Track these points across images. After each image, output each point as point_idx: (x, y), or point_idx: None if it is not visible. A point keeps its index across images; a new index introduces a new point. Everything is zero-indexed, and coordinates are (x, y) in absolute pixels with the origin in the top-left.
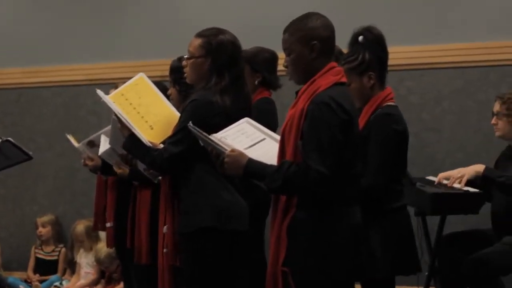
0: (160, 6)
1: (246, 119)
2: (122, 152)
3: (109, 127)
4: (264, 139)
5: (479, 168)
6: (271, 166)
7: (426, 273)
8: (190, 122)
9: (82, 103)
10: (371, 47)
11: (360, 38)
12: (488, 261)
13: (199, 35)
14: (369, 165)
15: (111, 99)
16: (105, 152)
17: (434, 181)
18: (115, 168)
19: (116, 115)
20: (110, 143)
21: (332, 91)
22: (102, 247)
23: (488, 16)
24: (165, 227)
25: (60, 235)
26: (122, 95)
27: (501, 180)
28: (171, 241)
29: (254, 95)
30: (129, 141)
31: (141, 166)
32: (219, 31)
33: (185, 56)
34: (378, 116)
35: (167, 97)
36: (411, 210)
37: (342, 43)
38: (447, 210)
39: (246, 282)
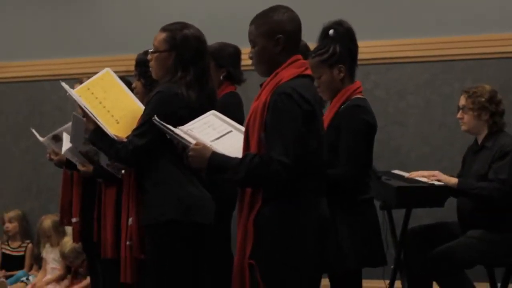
0: (122, 2)
1: (213, 111)
2: (83, 148)
3: (70, 124)
4: (230, 131)
5: (453, 180)
6: (234, 158)
7: (392, 266)
8: (155, 116)
9: (46, 99)
10: (342, 40)
11: (331, 31)
12: (453, 254)
13: (164, 29)
14: (341, 155)
15: (77, 93)
16: (68, 150)
17: (400, 175)
18: (79, 167)
19: (80, 109)
20: (70, 140)
21: (294, 82)
22: (67, 242)
23: (452, 11)
24: (130, 219)
25: (26, 230)
26: (88, 89)
27: (475, 192)
28: (136, 234)
29: (220, 90)
30: (94, 134)
31: (103, 162)
32: (184, 26)
33: (150, 50)
34: (348, 107)
35: (132, 90)
36: (377, 203)
37: (306, 37)
38: (412, 203)
39: (212, 276)
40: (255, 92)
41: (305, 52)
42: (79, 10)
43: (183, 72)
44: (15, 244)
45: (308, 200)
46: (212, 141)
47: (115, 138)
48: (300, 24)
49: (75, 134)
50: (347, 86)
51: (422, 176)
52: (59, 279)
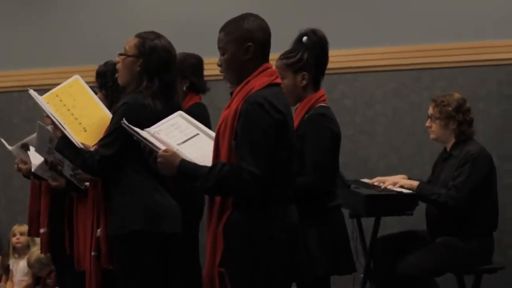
0: (91, 12)
1: (180, 112)
2: (48, 158)
3: (34, 135)
4: (197, 134)
5: (414, 183)
6: (204, 167)
7: (362, 275)
8: (124, 119)
9: (15, 110)
10: (312, 48)
11: (304, 38)
12: (422, 262)
13: (137, 35)
14: (307, 164)
15: (44, 100)
16: (38, 167)
17: (368, 183)
18: (50, 181)
19: (47, 117)
20: (36, 149)
21: (265, 92)
22: (34, 252)
23: (421, 20)
24: (98, 230)
25: None
26: (57, 96)
27: (432, 198)
28: (104, 244)
29: (185, 101)
30: (61, 143)
31: (66, 172)
32: (157, 36)
33: (118, 52)
34: (313, 116)
35: None
36: (346, 211)
37: (275, 46)
38: (381, 211)
39: (180, 285)
40: (221, 102)
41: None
42: (48, 21)
43: (148, 82)
44: None
45: (277, 208)
46: (179, 144)
47: (82, 147)
48: (270, 32)
49: (40, 143)
50: (310, 94)
51: (384, 182)
52: None
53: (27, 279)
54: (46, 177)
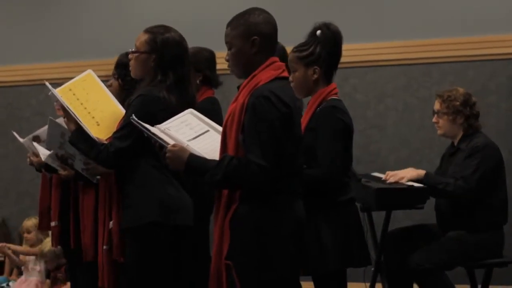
0: (102, 5)
1: (190, 110)
2: (58, 152)
3: (46, 127)
4: (207, 131)
5: (421, 172)
6: (212, 161)
7: (372, 269)
8: (133, 115)
9: (26, 104)
10: (325, 43)
11: (318, 32)
12: (433, 256)
13: (146, 30)
14: (319, 156)
15: (58, 93)
16: (48, 156)
17: (379, 177)
18: (60, 171)
19: (62, 109)
20: (46, 144)
21: (272, 85)
22: (48, 242)
23: (431, 14)
24: (111, 222)
25: (6, 236)
26: (70, 90)
27: (440, 187)
28: (117, 237)
29: (198, 95)
30: (75, 135)
31: (78, 166)
32: (166, 29)
33: (131, 50)
34: (325, 108)
35: None
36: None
37: (284, 39)
38: (392, 205)
39: (191, 277)
40: (233, 96)
41: (282, 54)
42: (57, 15)
43: (162, 76)
44: None
45: (284, 201)
46: (189, 140)
47: (97, 139)
48: (276, 26)
49: (51, 138)
50: (321, 88)
51: (396, 176)
52: (39, 281)
53: (39, 269)
54: (56, 166)
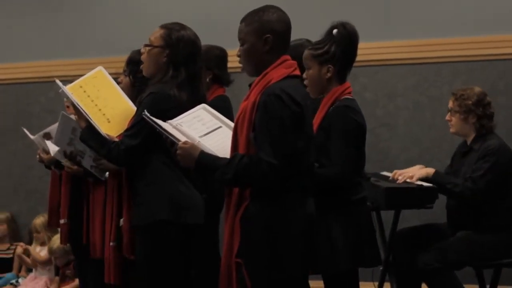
0: (109, 3)
1: (203, 105)
2: (67, 149)
3: (56, 124)
4: (220, 127)
5: (430, 171)
6: (223, 158)
7: (381, 268)
8: (145, 111)
9: (35, 101)
10: (340, 42)
11: (334, 31)
12: (442, 256)
13: (162, 26)
14: (332, 155)
15: (69, 90)
16: (58, 151)
17: (388, 176)
18: (69, 167)
19: (72, 107)
20: (55, 140)
21: (283, 83)
22: (57, 239)
23: (441, 13)
24: (121, 220)
25: (15, 232)
26: (81, 87)
27: (448, 187)
28: (127, 234)
29: (208, 94)
30: (86, 132)
31: (86, 164)
32: (182, 27)
33: (144, 44)
34: (338, 107)
35: None
36: None
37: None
38: (401, 204)
39: (200, 276)
40: (244, 94)
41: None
42: (67, 11)
43: (174, 72)
44: (4, 246)
45: (294, 200)
46: (201, 136)
47: (107, 137)
48: (290, 25)
49: (61, 134)
50: (334, 86)
51: (404, 175)
52: (49, 278)
53: (48, 268)
54: (65, 162)
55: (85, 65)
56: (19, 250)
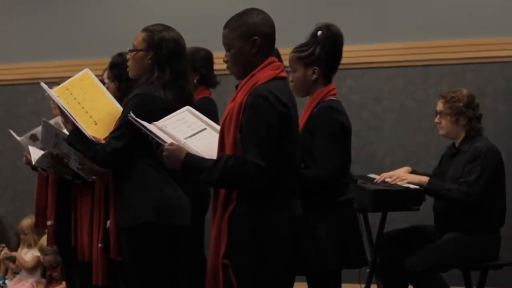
0: (99, 5)
1: (187, 107)
2: (53, 151)
3: (39, 128)
4: (204, 129)
5: (424, 179)
6: (209, 160)
7: (368, 270)
8: (131, 112)
9: (22, 103)
10: (325, 44)
11: (319, 33)
12: (429, 258)
13: (144, 29)
14: (317, 156)
15: (55, 93)
16: (39, 160)
17: (375, 179)
18: (53, 172)
19: (59, 109)
20: (41, 143)
21: (270, 85)
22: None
23: (428, 16)
24: (108, 222)
25: (2, 234)
26: (67, 89)
27: (443, 193)
28: (114, 236)
29: (195, 95)
30: (72, 135)
31: (73, 165)
32: (165, 28)
33: (128, 49)
34: (323, 108)
35: None
36: None
37: (281, 41)
38: (388, 206)
39: (186, 277)
40: (230, 96)
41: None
42: (55, 13)
43: (159, 72)
44: None
45: (281, 200)
46: (186, 138)
47: (93, 139)
48: (274, 26)
49: (45, 138)
50: (320, 88)
51: (391, 177)
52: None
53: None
54: (47, 168)
55: (73, 66)
56: (3, 255)
